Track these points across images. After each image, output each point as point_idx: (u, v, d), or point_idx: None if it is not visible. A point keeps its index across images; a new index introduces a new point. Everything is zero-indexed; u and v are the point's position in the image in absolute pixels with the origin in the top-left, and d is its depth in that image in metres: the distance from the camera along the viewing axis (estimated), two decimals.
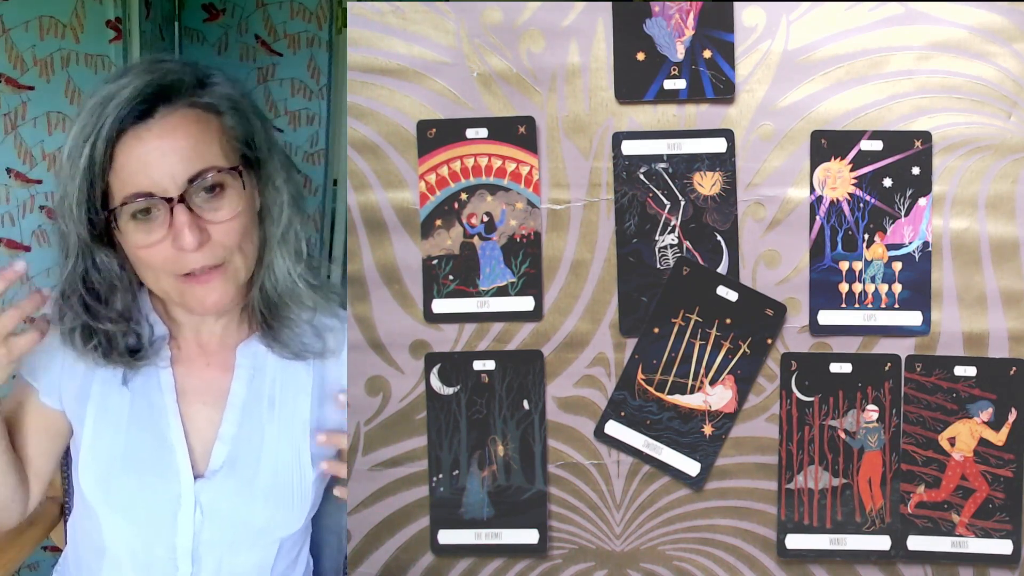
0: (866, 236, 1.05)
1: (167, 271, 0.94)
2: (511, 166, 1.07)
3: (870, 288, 1.05)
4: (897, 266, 1.05)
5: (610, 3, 1.05)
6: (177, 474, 1.01)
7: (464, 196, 1.07)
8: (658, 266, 1.06)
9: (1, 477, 1.02)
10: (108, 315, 0.99)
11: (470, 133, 1.07)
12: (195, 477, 1.02)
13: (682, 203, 1.06)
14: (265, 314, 1.03)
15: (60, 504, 1.26)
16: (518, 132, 1.06)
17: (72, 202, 0.92)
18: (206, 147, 0.93)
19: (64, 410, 1.05)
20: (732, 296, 1.05)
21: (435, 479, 1.08)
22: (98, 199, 0.92)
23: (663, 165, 1.06)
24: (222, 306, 0.97)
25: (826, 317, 1.05)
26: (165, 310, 1.05)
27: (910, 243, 1.05)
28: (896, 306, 1.05)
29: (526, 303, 1.07)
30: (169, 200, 0.90)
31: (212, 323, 1.05)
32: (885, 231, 1.05)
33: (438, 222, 1.07)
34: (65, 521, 1.25)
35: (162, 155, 0.90)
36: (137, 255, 0.94)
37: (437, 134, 1.07)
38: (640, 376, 1.06)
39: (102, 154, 0.90)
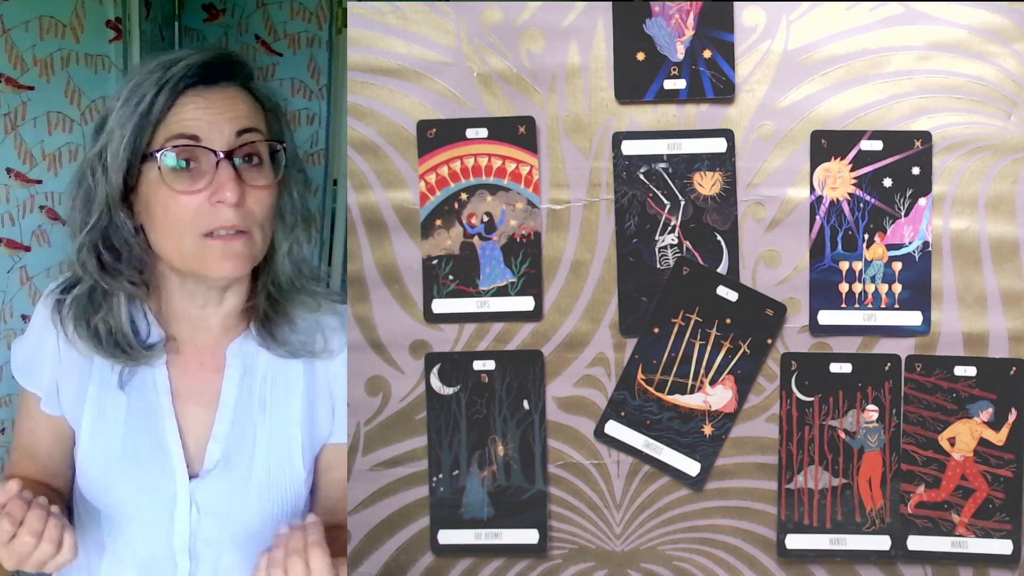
0: (866, 236, 1.05)
1: (193, 228, 0.95)
2: (511, 166, 1.07)
3: (870, 288, 1.05)
4: (897, 266, 1.05)
5: (610, 3, 1.05)
6: (173, 474, 1.02)
7: (464, 196, 1.07)
8: (658, 266, 1.06)
9: None
10: (126, 275, 1.01)
11: (470, 133, 1.07)
12: (190, 476, 1.02)
13: (682, 203, 1.06)
14: (268, 313, 1.04)
15: None
16: (518, 132, 1.06)
17: (117, 147, 0.95)
18: (255, 120, 0.98)
19: (64, 415, 1.05)
20: (732, 296, 1.05)
21: (435, 479, 1.08)
22: (142, 147, 0.95)
23: (663, 165, 1.06)
24: (237, 273, 0.99)
25: (826, 317, 1.05)
26: (162, 312, 1.06)
27: (910, 243, 1.05)
28: (896, 306, 1.05)
29: (526, 303, 1.07)
30: (216, 154, 0.94)
31: (211, 319, 1.05)
32: (885, 231, 1.05)
33: (438, 222, 1.07)
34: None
35: (218, 111, 0.95)
36: (168, 206, 0.95)
37: (437, 134, 1.07)
38: (640, 376, 1.06)
39: (163, 103, 0.94)
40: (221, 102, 0.96)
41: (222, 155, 0.94)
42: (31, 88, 1.94)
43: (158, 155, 0.94)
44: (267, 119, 1.00)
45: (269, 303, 1.04)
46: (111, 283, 1.00)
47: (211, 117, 0.95)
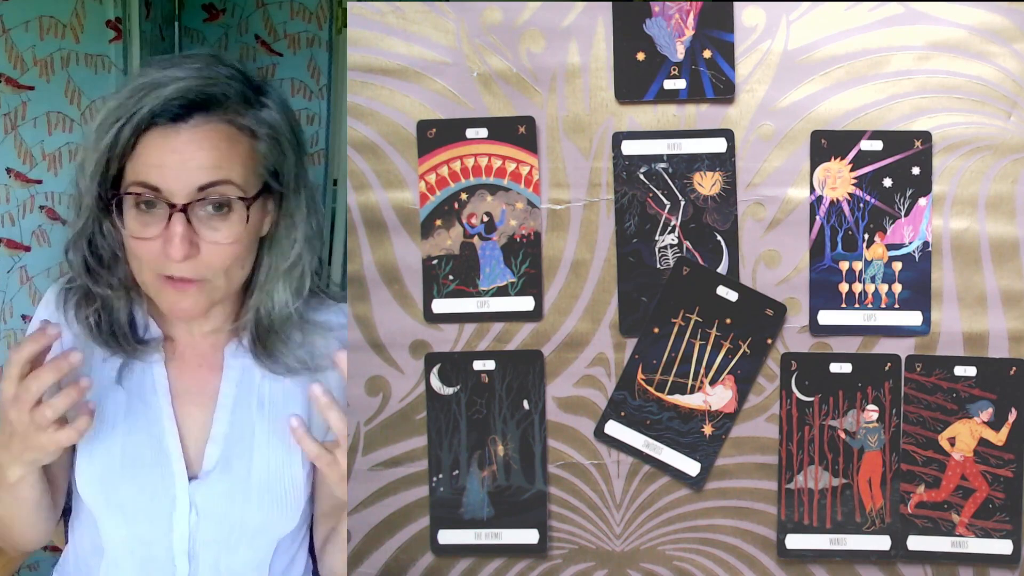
0: (866, 236, 1.05)
1: (150, 267, 0.95)
2: (511, 166, 1.07)
3: (870, 288, 1.05)
4: (897, 266, 1.05)
5: (610, 3, 1.05)
6: (172, 476, 1.02)
7: (464, 196, 1.07)
8: (658, 266, 1.06)
9: (44, 515, 1.04)
10: (108, 280, 1.00)
11: (470, 133, 1.07)
12: (190, 478, 1.02)
13: (682, 203, 1.06)
14: (256, 336, 1.03)
15: None
16: (518, 132, 1.06)
17: (89, 172, 0.94)
18: (228, 165, 0.92)
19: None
20: (732, 296, 1.05)
21: (435, 479, 1.08)
22: (111, 178, 0.93)
23: (663, 165, 1.06)
24: (192, 315, 0.98)
25: (826, 317, 1.05)
26: (158, 314, 1.06)
27: (910, 243, 1.05)
28: (896, 306, 1.05)
29: (526, 303, 1.07)
30: (172, 205, 0.91)
31: (203, 328, 1.05)
32: (885, 231, 1.05)
33: (438, 222, 1.07)
34: (65, 521, 1.25)
35: (181, 161, 0.90)
36: (128, 243, 0.95)
37: (437, 134, 1.07)
38: (640, 376, 1.06)
39: (126, 140, 0.91)
40: (188, 146, 0.90)
41: (179, 207, 0.90)
42: (31, 88, 1.94)
43: (117, 198, 0.93)
44: (254, 152, 0.95)
45: (258, 325, 1.03)
46: (95, 286, 1.00)
47: (173, 165, 0.90)
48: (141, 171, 0.91)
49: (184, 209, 0.91)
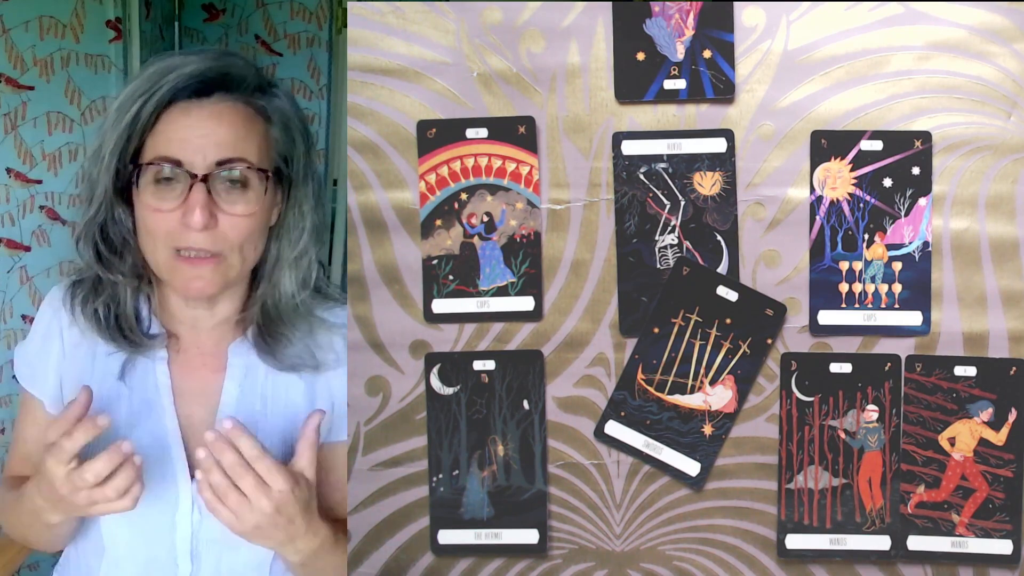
0: (866, 236, 1.05)
1: (167, 243, 0.96)
2: (511, 166, 1.07)
3: (870, 288, 1.05)
4: (897, 266, 1.05)
5: (610, 3, 1.05)
6: (175, 474, 1.02)
7: (464, 196, 1.07)
8: (658, 266, 1.06)
9: (69, 530, 1.05)
10: (120, 268, 1.01)
11: (470, 133, 1.07)
12: (192, 477, 1.02)
13: (682, 203, 1.06)
14: (262, 328, 1.04)
15: None
16: (518, 132, 1.06)
17: (107, 151, 0.96)
18: (245, 142, 0.95)
19: None
20: (732, 296, 1.05)
21: (435, 479, 1.08)
22: (130, 154, 0.95)
23: (663, 165, 1.06)
24: (205, 294, 0.99)
25: (826, 317, 1.05)
26: (163, 310, 1.06)
27: (910, 243, 1.05)
28: (896, 306, 1.05)
29: (526, 303, 1.07)
30: (193, 176, 0.93)
31: (208, 323, 1.05)
32: (885, 231, 1.05)
33: (438, 222, 1.07)
34: None
35: (202, 134, 0.93)
36: (146, 218, 0.96)
37: (437, 134, 1.07)
38: (640, 376, 1.06)
39: (149, 114, 0.93)
40: (208, 121, 0.94)
41: (198, 177, 0.93)
42: (31, 88, 1.94)
43: (139, 170, 0.94)
44: (268, 135, 0.98)
45: (264, 316, 1.04)
46: (106, 274, 1.01)
47: (194, 139, 0.93)
48: (162, 145, 0.94)
49: (204, 180, 0.93)
